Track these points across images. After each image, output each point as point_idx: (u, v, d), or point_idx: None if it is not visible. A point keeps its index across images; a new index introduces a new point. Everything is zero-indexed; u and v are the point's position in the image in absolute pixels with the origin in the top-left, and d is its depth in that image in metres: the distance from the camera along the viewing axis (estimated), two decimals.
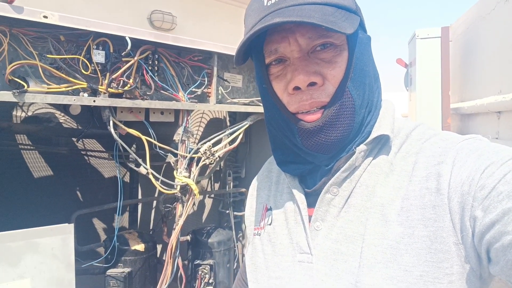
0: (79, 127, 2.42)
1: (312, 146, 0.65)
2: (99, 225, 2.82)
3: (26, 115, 2.39)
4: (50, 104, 2.38)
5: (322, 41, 0.62)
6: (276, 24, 0.57)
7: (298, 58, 0.63)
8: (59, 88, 1.55)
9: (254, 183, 0.90)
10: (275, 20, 0.57)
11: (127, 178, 2.78)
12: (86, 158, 2.68)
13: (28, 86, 1.44)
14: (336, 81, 0.63)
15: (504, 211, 0.50)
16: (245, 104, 2.22)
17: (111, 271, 2.04)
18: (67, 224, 1.50)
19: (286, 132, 0.68)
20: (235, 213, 2.63)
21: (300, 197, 0.71)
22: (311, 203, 0.69)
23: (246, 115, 2.31)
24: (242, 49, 0.63)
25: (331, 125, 0.63)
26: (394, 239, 0.58)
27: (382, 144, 0.68)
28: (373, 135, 0.66)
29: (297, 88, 0.63)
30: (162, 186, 1.90)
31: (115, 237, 2.05)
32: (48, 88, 1.52)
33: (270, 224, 0.76)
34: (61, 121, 2.49)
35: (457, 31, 2.71)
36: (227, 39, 2.28)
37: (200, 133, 2.82)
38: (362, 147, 0.65)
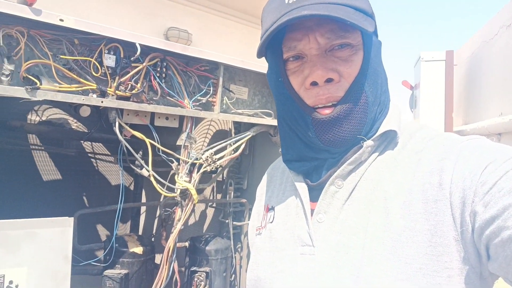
0: (87, 130, 2.50)
1: (326, 139, 0.66)
2: (102, 230, 2.87)
3: (40, 119, 2.49)
4: (61, 108, 2.48)
5: (340, 41, 0.65)
6: (305, 17, 0.60)
7: (316, 55, 0.65)
8: (70, 88, 1.63)
9: (257, 191, 0.92)
10: (303, 13, 0.60)
11: (132, 186, 2.84)
12: (93, 163, 2.75)
13: (41, 84, 1.52)
14: (351, 78, 0.66)
15: (504, 206, 0.50)
16: (249, 115, 2.28)
17: (108, 272, 2.07)
18: (67, 217, 1.55)
19: (300, 125, 0.70)
20: (235, 223, 2.65)
21: (303, 190, 0.72)
22: (314, 197, 0.70)
23: (250, 127, 2.37)
24: (267, 39, 0.65)
25: (345, 118, 0.65)
26: (396, 232, 0.59)
27: (388, 141, 0.70)
28: (381, 130, 0.69)
29: (314, 84, 0.65)
30: (163, 188, 1.95)
31: (114, 238, 2.09)
32: (59, 87, 1.60)
33: (272, 222, 0.78)
34: (73, 127, 2.58)
35: (462, 56, 2.76)
36: (240, 58, 2.36)
37: (205, 144, 2.88)
38: (370, 142, 0.67)
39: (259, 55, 0.70)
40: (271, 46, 0.70)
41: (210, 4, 2.78)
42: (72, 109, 2.05)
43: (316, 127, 0.66)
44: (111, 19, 2.31)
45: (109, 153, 2.77)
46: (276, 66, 0.70)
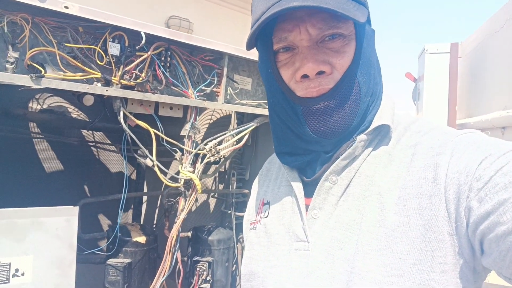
0: (91, 120, 2.49)
1: (317, 129, 0.65)
2: (104, 220, 2.88)
3: (41, 108, 2.47)
4: (64, 97, 2.46)
5: (332, 31, 0.63)
6: (294, 8, 0.58)
7: (307, 47, 0.63)
8: (74, 76, 1.62)
9: (253, 185, 0.92)
10: (293, 4, 0.57)
11: (134, 176, 2.84)
12: (95, 152, 2.74)
13: (45, 72, 1.51)
14: (344, 69, 0.64)
15: (499, 202, 0.50)
16: (252, 106, 2.27)
17: (111, 261, 2.08)
18: (72, 206, 1.55)
19: (290, 116, 0.68)
20: (237, 213, 2.66)
21: (297, 186, 0.71)
22: (309, 193, 0.70)
23: (253, 117, 2.36)
24: (256, 31, 0.63)
25: (336, 108, 0.64)
26: (390, 227, 0.59)
27: (382, 135, 0.69)
28: (374, 124, 0.67)
29: (305, 76, 0.64)
30: (167, 179, 1.95)
31: (118, 227, 2.09)
32: (64, 76, 1.58)
33: (266, 217, 0.77)
34: (74, 116, 2.57)
35: (467, 48, 2.75)
36: (242, 47, 2.34)
37: (208, 134, 2.88)
38: (363, 136, 0.66)
39: (249, 47, 0.68)
40: (262, 36, 0.67)
41: None
42: (76, 97, 2.03)
43: (307, 118, 0.66)
44: (112, 7, 2.28)
45: (110, 142, 2.76)
46: (267, 57, 0.68)
